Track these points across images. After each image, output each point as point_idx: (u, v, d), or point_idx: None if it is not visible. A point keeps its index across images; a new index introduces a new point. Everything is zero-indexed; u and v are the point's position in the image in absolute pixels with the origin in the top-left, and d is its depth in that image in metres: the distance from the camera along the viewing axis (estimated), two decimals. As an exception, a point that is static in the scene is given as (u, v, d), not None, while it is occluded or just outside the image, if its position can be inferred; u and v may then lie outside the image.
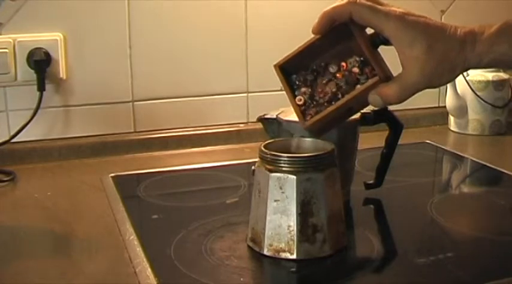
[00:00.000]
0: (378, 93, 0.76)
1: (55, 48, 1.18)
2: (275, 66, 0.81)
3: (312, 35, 0.78)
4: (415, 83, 0.74)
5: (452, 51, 0.74)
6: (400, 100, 0.76)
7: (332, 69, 0.80)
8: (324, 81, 0.80)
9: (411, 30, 0.73)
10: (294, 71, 0.81)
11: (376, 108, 0.93)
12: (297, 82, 0.81)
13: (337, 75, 0.79)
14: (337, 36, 0.78)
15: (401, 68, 0.75)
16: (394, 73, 0.77)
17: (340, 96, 0.78)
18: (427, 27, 0.74)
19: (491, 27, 0.75)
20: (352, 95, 0.77)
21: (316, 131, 0.81)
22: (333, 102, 0.78)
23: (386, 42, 0.76)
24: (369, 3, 0.74)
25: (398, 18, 0.73)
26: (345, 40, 0.78)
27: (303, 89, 0.80)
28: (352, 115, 0.84)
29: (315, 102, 0.80)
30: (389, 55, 0.78)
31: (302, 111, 0.80)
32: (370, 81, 0.76)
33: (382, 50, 0.78)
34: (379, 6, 0.75)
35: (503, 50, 0.74)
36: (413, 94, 0.75)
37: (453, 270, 0.75)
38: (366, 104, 0.79)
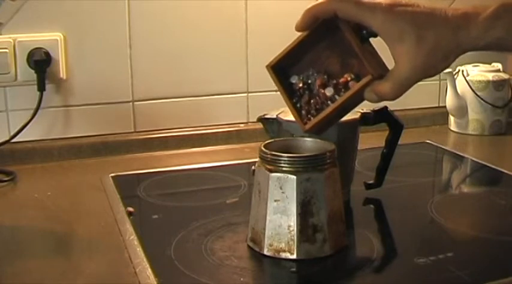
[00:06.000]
0: (373, 90, 0.74)
1: (55, 48, 1.18)
2: (267, 66, 0.80)
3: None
4: (409, 78, 0.73)
5: (444, 39, 0.71)
6: (397, 96, 0.74)
7: (326, 75, 0.80)
8: (319, 85, 0.79)
9: (399, 22, 0.71)
10: (287, 68, 0.81)
11: (376, 108, 0.94)
12: (294, 87, 0.81)
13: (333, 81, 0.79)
14: (326, 28, 0.77)
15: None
16: (389, 64, 0.75)
17: (336, 97, 0.78)
18: (415, 16, 0.71)
19: (486, 10, 0.72)
20: (348, 95, 0.76)
21: (315, 132, 0.81)
22: (330, 103, 0.78)
23: (376, 35, 0.74)
24: None
25: (385, 11, 0.71)
26: (335, 32, 0.77)
27: (301, 95, 0.80)
28: (349, 111, 0.84)
29: (312, 105, 0.79)
30: (383, 45, 0.75)
31: (300, 113, 0.80)
32: (364, 80, 0.75)
33: (376, 42, 0.77)
34: (365, 0, 0.72)
35: (499, 35, 0.71)
36: (409, 87, 0.74)
37: (453, 270, 0.75)
38: (363, 100, 0.78)
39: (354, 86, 0.76)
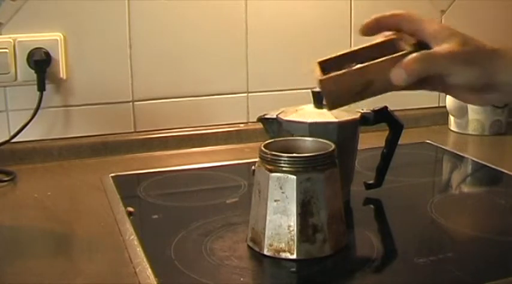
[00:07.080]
0: (403, 65, 0.71)
1: (55, 48, 1.18)
2: (317, 62, 0.77)
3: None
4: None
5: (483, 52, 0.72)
6: (420, 76, 0.72)
7: None
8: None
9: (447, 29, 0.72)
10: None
11: (376, 108, 0.94)
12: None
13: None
14: (382, 51, 0.74)
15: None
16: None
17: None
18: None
19: None
20: (375, 61, 0.73)
21: (330, 97, 0.76)
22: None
23: None
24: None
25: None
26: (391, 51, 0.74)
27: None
28: (370, 92, 0.76)
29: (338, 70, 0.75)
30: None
31: (322, 69, 0.76)
32: (397, 54, 0.72)
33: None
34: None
35: None
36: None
37: (453, 270, 0.75)
38: (387, 83, 0.73)
39: (384, 57, 0.73)
